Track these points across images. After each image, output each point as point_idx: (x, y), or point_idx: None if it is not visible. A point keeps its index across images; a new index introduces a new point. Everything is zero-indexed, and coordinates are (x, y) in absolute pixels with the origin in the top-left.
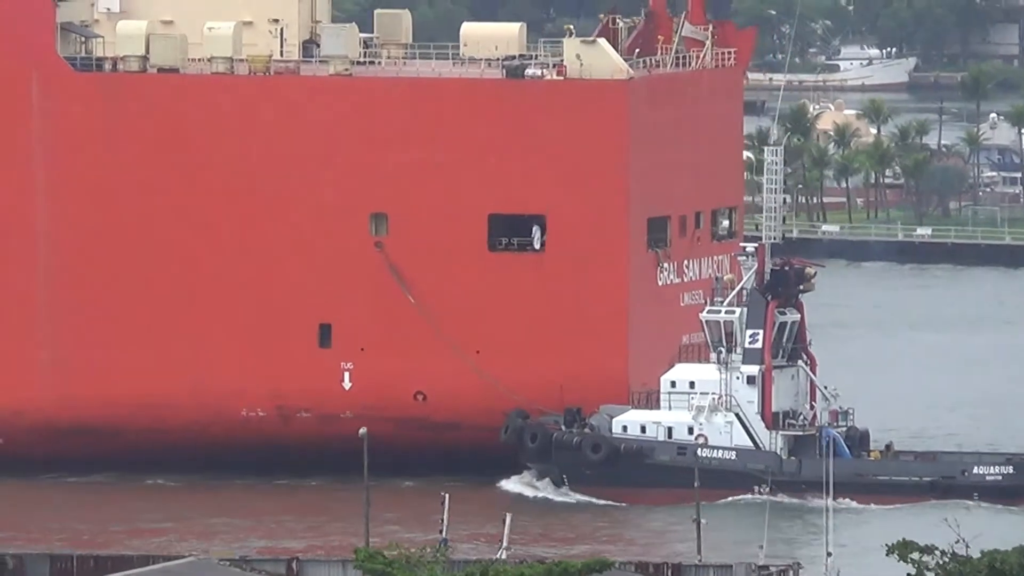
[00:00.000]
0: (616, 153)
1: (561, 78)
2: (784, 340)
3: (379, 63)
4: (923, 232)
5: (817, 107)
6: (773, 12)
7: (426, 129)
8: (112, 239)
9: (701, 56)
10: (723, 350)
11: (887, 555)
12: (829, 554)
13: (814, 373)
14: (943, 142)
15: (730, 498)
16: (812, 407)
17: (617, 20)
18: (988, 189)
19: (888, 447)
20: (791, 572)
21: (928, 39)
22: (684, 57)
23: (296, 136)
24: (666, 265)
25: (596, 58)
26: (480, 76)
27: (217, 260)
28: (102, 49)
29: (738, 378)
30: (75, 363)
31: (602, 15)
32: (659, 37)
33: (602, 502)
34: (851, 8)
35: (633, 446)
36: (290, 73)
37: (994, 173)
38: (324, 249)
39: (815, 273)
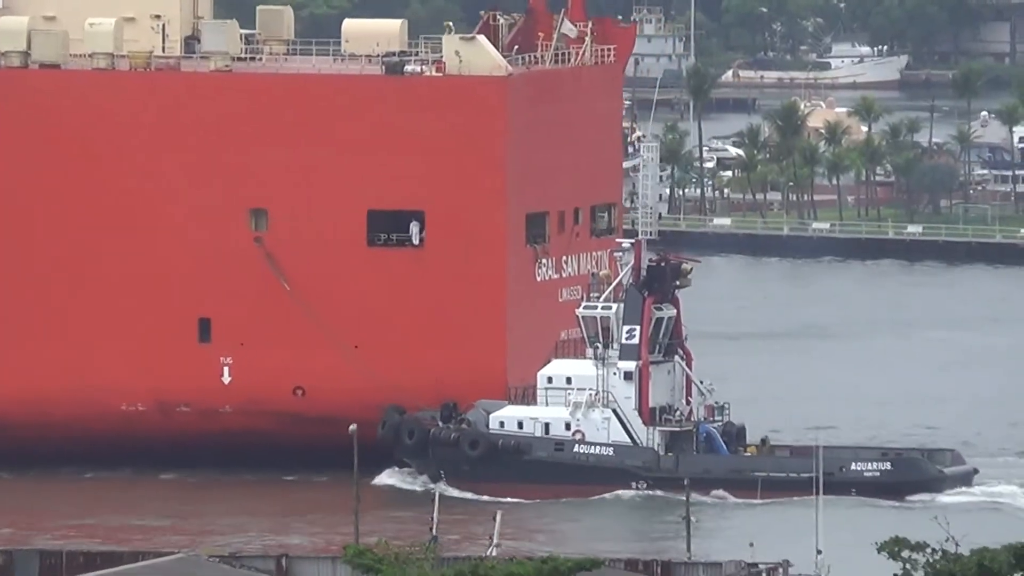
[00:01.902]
0: (494, 149)
1: (440, 75)
2: (661, 336)
3: (260, 59)
4: (914, 230)
5: (808, 104)
6: (764, 9)
7: (306, 125)
8: None
9: (580, 53)
10: (600, 346)
11: (878, 552)
12: (819, 552)
13: (690, 368)
14: (934, 140)
15: (607, 494)
16: (688, 402)
17: (497, 16)
18: (979, 187)
19: (764, 441)
20: (780, 570)
21: (919, 37)
22: (563, 54)
23: (176, 131)
24: (544, 261)
25: (475, 55)
26: (360, 72)
27: (97, 255)
28: None
29: (615, 374)
30: None
31: (482, 12)
32: (539, 34)
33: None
34: (843, 5)
35: (511, 442)
36: (171, 69)
37: (985, 171)
38: (204, 244)
39: (691, 269)
